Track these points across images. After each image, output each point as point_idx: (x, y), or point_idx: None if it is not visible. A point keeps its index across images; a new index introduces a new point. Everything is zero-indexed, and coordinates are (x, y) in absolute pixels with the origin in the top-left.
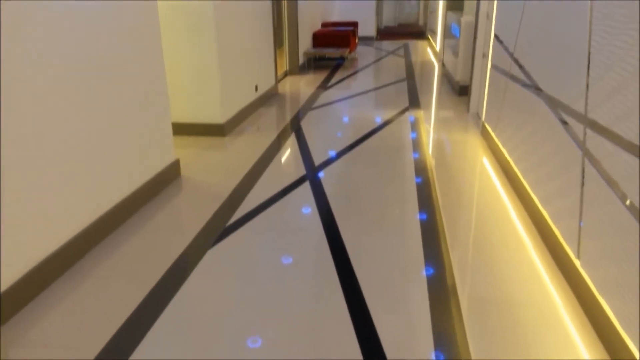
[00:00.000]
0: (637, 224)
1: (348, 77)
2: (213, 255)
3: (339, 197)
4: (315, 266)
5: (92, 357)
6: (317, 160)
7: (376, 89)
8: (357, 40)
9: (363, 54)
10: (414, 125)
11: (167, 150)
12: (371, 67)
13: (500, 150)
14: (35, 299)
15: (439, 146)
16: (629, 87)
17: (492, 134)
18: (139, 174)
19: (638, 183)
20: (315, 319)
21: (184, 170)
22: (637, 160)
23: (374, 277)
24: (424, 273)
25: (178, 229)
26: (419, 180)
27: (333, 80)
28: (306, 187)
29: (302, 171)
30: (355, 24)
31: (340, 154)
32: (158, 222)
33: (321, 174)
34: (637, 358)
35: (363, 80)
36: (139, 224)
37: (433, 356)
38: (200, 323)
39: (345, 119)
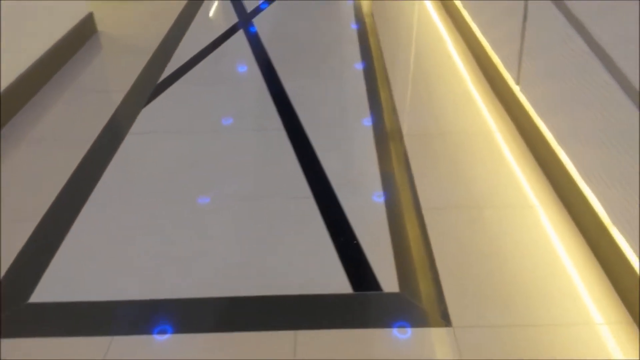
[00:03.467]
0: (580, 38)
1: None
2: (148, 114)
3: (277, 46)
4: (258, 116)
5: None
6: (249, 6)
7: None
8: None
9: None
10: None
11: (76, 2)
12: None
13: None
14: None
15: None
16: None
17: None
18: (49, 32)
19: None
20: (264, 167)
21: (101, 25)
22: None
23: (319, 122)
24: (368, 115)
25: (105, 88)
26: (358, 25)
27: None
28: (240, 36)
29: (234, 19)
30: None
31: (269, 1)
32: (82, 83)
33: (255, 22)
34: (567, 168)
35: None
36: (61, 87)
37: (381, 191)
38: (147, 183)
39: None
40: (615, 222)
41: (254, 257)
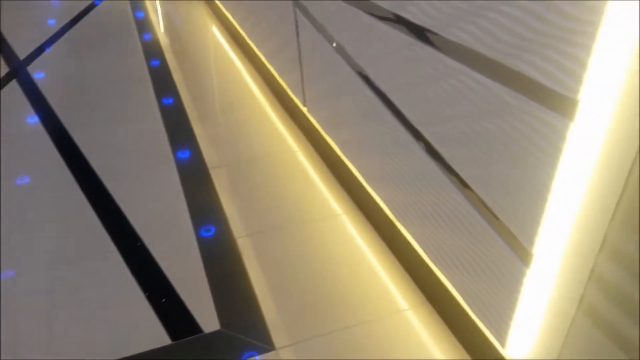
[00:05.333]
0: (344, 62)
1: None
2: None
3: (61, 93)
4: (44, 176)
5: None
6: (22, 53)
7: None
8: None
9: None
10: (136, 3)
11: None
12: None
13: (225, 15)
14: None
15: (167, 23)
16: None
17: None
18: None
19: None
20: (60, 230)
21: None
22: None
23: (117, 169)
24: (170, 153)
25: None
26: (156, 62)
27: None
28: (14, 87)
29: (3, 69)
30: None
31: (51, 42)
32: None
33: (32, 69)
34: (356, 177)
35: None
36: None
37: (192, 229)
38: None
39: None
40: (398, 218)
41: (64, 329)
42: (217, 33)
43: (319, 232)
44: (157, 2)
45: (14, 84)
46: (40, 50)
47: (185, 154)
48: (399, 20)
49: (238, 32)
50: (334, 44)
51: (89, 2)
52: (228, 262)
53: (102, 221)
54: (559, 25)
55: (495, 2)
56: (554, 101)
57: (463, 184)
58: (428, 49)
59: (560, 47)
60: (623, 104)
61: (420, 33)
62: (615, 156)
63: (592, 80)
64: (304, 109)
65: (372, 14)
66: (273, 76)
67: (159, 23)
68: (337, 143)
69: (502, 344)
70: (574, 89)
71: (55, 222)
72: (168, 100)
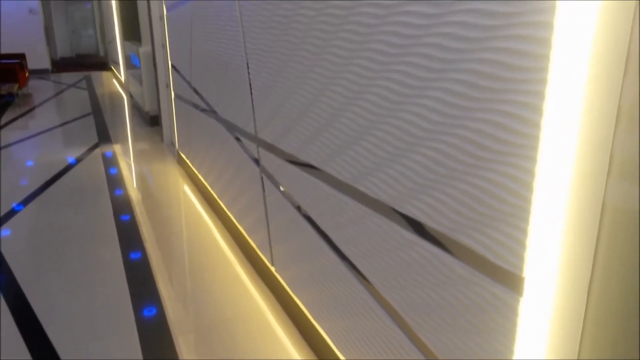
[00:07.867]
0: (308, 225)
1: (23, 115)
2: None
3: (23, 254)
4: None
5: None
6: None
7: (59, 126)
8: (27, 74)
9: (38, 88)
10: (110, 162)
11: None
12: (50, 103)
13: (197, 175)
14: None
15: (140, 181)
16: (284, 106)
17: (187, 161)
18: None
19: (303, 190)
20: None
21: None
22: (298, 169)
23: (74, 340)
24: (132, 317)
25: None
26: (126, 217)
27: (3, 121)
28: None
29: None
30: (22, 56)
31: (25, 203)
32: None
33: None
34: (326, 341)
35: (42, 118)
36: None
37: None
38: None
39: (29, 163)
40: None
41: None
42: (188, 192)
43: None
44: (132, 161)
45: None
46: (11, 211)
47: (148, 316)
48: (355, 192)
49: (209, 192)
50: (298, 208)
51: (65, 163)
52: None
53: None
54: (493, 207)
55: (439, 183)
56: (502, 276)
57: (430, 354)
58: (384, 219)
59: (500, 227)
60: (566, 278)
61: (375, 205)
62: (566, 332)
63: (532, 259)
64: (272, 268)
65: (330, 185)
66: (242, 235)
67: (132, 180)
68: (305, 304)
69: None
70: (518, 266)
71: None
72: (135, 256)
